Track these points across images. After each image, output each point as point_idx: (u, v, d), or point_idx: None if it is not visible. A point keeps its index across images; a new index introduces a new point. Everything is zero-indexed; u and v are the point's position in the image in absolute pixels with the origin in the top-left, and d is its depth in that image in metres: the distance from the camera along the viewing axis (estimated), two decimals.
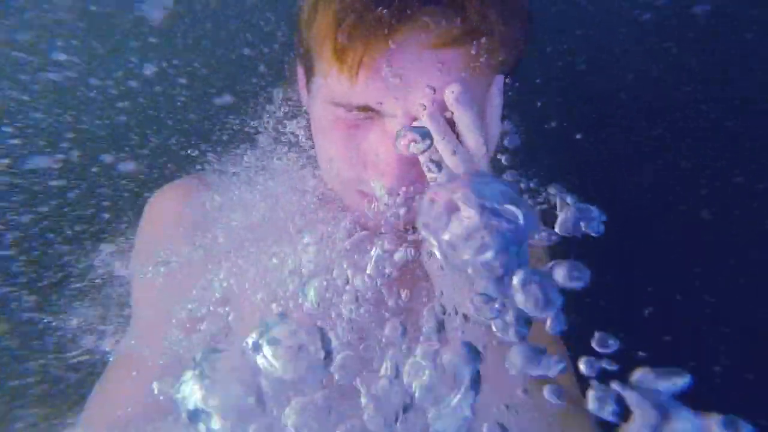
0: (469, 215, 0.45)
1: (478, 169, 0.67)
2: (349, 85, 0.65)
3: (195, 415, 0.49)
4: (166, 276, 0.87)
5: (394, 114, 0.66)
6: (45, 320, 1.12)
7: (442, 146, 0.65)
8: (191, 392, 0.50)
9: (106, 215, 1.38)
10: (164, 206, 0.93)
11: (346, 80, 0.65)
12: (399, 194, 0.68)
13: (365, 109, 0.67)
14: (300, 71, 0.81)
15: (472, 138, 0.66)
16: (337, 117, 0.69)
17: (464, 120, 0.65)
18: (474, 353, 0.50)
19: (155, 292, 0.88)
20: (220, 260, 0.86)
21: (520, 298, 0.46)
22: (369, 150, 0.70)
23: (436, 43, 0.62)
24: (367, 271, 0.70)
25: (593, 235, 0.50)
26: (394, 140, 0.65)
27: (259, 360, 0.48)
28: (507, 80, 0.72)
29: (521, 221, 0.45)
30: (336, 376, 0.55)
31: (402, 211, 0.69)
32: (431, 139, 0.62)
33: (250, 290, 0.82)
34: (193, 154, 1.05)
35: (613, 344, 0.47)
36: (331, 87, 0.68)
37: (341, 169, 0.73)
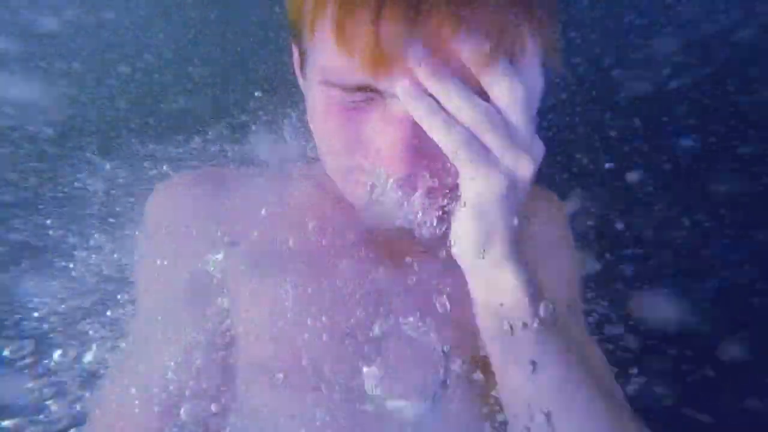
0: None
1: (515, 123, 0.54)
2: (344, 62, 0.54)
3: None
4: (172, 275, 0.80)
5: (396, 94, 0.55)
6: None
7: (459, 104, 0.53)
8: None
9: None
10: (169, 200, 0.86)
11: (341, 56, 0.54)
12: (405, 184, 0.58)
13: (364, 89, 0.57)
14: (295, 51, 0.71)
15: (503, 85, 0.53)
16: (333, 100, 0.60)
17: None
18: None
19: (160, 295, 0.81)
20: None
21: None
22: (370, 135, 0.60)
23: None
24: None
25: None
26: (397, 123, 0.56)
27: None
28: None
29: None
30: None
31: (412, 205, 0.60)
32: None
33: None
34: None
35: None
36: (324, 65, 0.58)
37: (340, 157, 0.64)
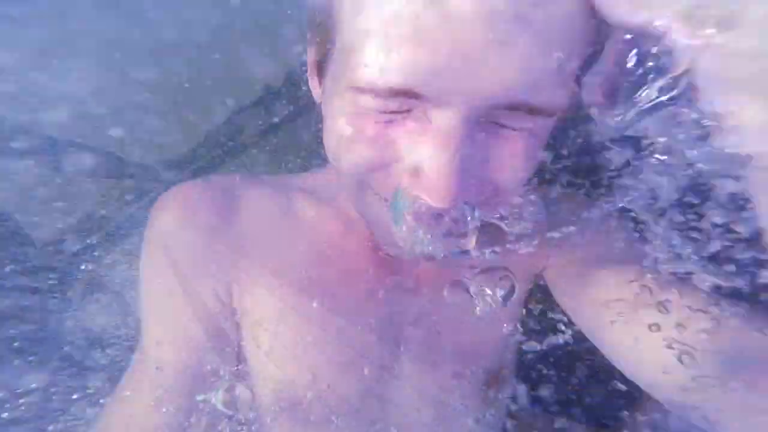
0: None
1: None
2: (384, 58, 0.43)
3: None
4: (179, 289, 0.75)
5: (446, 101, 0.44)
6: None
7: None
8: None
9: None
10: (172, 211, 0.79)
11: (380, 50, 0.43)
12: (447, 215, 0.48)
13: (403, 93, 0.45)
14: (311, 51, 0.60)
15: None
16: (362, 109, 0.48)
17: None
18: None
19: (166, 309, 0.77)
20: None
21: None
22: (406, 154, 0.49)
23: None
24: None
25: None
26: (442, 139, 0.45)
27: None
28: None
29: None
30: None
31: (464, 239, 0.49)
32: None
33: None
34: None
35: None
36: (355, 64, 0.46)
37: (364, 178, 0.54)
